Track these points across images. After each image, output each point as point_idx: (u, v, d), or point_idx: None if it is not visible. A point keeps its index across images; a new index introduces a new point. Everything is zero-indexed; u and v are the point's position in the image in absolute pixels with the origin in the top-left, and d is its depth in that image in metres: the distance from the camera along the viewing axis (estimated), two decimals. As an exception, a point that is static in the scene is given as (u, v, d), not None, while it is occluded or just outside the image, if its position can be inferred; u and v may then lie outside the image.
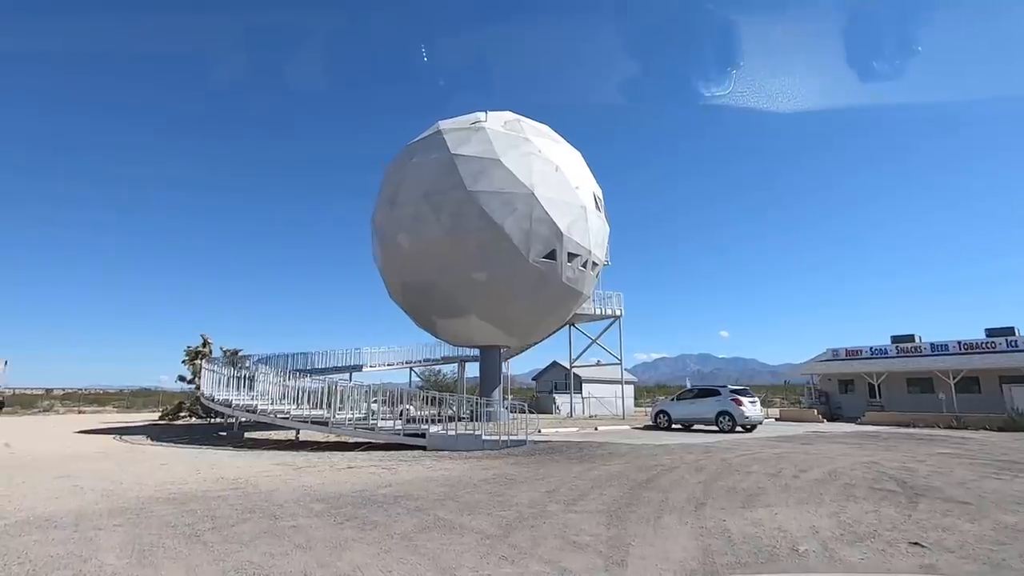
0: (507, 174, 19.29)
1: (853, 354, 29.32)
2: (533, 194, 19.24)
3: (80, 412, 44.09)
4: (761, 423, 17.79)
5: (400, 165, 21.39)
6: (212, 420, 23.07)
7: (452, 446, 12.30)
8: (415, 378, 32.15)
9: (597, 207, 22.18)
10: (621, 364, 28.10)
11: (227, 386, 15.40)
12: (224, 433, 16.94)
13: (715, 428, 17.52)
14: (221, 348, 25.30)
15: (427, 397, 13.76)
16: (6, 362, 38.28)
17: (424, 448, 12.40)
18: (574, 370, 33.87)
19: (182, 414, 25.45)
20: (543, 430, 16.88)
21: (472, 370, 35.07)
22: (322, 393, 13.86)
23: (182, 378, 25.12)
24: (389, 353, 29.15)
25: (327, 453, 12.04)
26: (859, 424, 22.69)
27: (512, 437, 12.57)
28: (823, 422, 24.02)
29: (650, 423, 19.80)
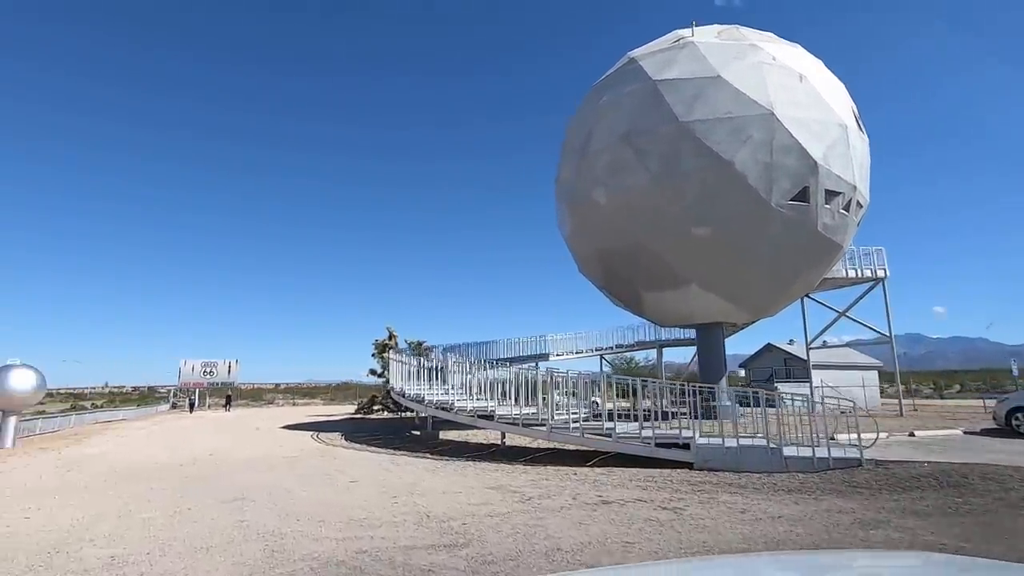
0: (733, 93, 14.35)
1: None
2: (773, 114, 14.06)
3: (294, 404, 49.20)
4: None
5: (587, 108, 17.59)
6: (402, 415, 21.95)
7: (735, 464, 8.07)
8: (606, 367, 28.32)
9: (859, 126, 16.05)
10: (892, 343, 20.85)
11: (417, 379, 13.14)
12: (417, 432, 14.89)
13: None
14: (405, 340, 24.40)
15: (683, 389, 9.53)
16: (236, 361, 43.58)
17: (689, 465, 8.38)
18: (797, 353, 27.31)
19: (375, 408, 25.26)
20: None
21: (669, 355, 30.29)
22: (528, 385, 10.61)
23: (372, 371, 24.92)
24: (576, 339, 25.72)
25: (551, 469, 8.66)
26: None
27: (833, 454, 7.89)
28: None
29: (992, 425, 13.25)
